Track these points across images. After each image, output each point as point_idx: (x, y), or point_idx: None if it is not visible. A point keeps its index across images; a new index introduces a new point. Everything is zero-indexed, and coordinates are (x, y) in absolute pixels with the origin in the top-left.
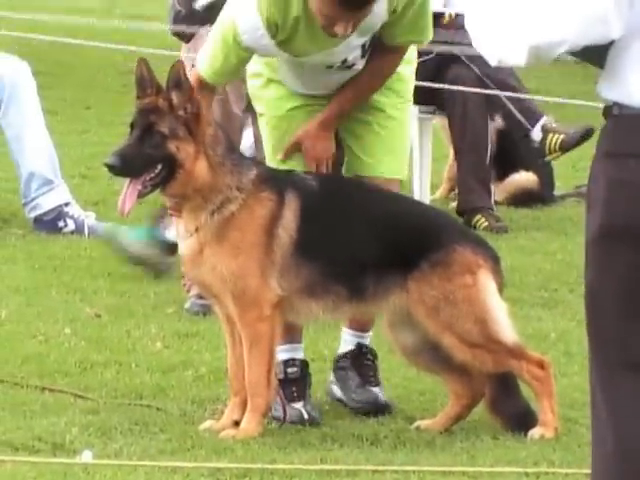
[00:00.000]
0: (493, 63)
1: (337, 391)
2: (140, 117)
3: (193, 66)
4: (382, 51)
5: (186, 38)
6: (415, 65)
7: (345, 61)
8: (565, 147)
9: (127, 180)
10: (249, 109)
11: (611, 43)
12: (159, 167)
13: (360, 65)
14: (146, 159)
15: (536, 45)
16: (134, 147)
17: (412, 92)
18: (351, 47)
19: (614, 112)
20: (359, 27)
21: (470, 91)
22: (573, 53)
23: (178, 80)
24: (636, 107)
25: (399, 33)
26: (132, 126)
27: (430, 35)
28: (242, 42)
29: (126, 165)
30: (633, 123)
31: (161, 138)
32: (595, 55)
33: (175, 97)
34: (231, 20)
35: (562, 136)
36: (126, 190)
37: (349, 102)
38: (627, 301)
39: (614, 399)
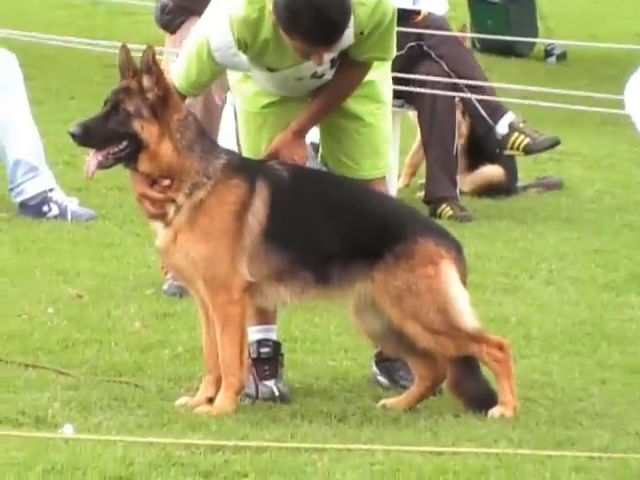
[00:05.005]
0: None
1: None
2: (111, 95)
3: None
4: (349, 64)
5: (172, 29)
6: (388, 67)
7: (315, 74)
8: (528, 151)
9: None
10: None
11: None
12: (124, 144)
13: (329, 75)
14: (108, 134)
15: None
16: (98, 121)
17: (389, 93)
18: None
19: None
20: None
21: (438, 88)
22: None
23: (148, 65)
24: None
25: (365, 51)
26: (105, 103)
27: (394, 53)
28: (215, 58)
29: (87, 136)
30: None
31: (126, 116)
32: None
33: (145, 80)
34: (205, 37)
35: (528, 140)
36: (89, 158)
37: (320, 111)
38: None
39: None
